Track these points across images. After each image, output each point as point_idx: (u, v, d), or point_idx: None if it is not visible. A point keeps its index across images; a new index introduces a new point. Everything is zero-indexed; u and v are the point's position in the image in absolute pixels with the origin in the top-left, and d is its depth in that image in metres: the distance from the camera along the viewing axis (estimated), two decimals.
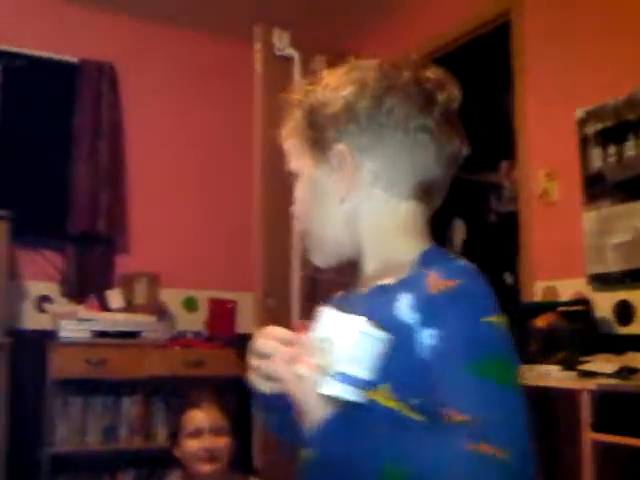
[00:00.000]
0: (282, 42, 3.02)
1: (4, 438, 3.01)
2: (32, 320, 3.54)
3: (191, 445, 2.11)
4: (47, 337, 3.35)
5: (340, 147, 0.96)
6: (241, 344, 3.55)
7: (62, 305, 3.53)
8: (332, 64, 1.03)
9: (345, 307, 0.91)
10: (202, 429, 2.12)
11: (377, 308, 0.90)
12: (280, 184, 3.17)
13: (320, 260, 1.04)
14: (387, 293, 0.91)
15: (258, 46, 3.05)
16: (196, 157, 4.00)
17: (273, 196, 3.12)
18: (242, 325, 3.78)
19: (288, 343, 0.89)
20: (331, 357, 0.83)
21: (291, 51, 3.05)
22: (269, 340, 0.92)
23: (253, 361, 0.95)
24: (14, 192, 3.42)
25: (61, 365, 3.22)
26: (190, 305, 3.83)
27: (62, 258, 3.63)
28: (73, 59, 3.73)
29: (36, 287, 3.58)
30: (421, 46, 3.25)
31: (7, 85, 3.43)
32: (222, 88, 4.07)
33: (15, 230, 3.21)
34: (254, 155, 3.49)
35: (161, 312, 3.59)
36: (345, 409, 0.83)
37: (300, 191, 1.03)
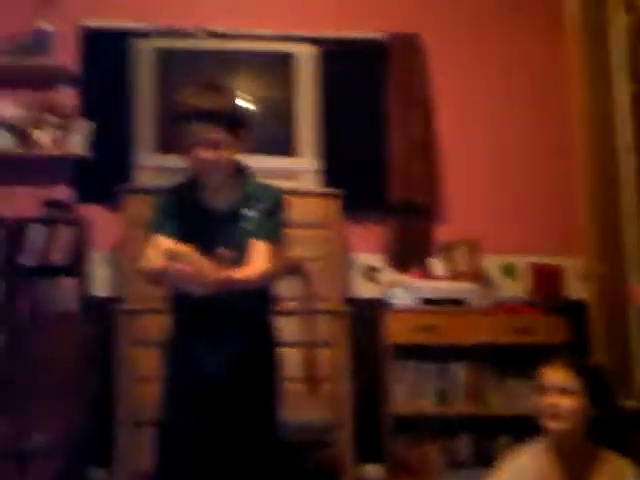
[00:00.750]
0: None
1: (352, 398, 3.29)
2: (363, 289, 3.82)
3: (539, 402, 2.18)
4: (378, 305, 3.61)
5: None
6: (571, 311, 3.53)
7: (388, 274, 3.75)
8: None
9: None
10: (549, 387, 2.17)
11: None
12: (606, 140, 3.01)
13: None
14: None
15: None
16: (508, 120, 3.95)
17: (599, 155, 2.99)
18: (568, 291, 3.73)
19: None
20: None
21: None
22: None
23: None
24: (342, 169, 3.68)
25: (394, 331, 3.44)
26: (509, 271, 3.84)
27: (385, 230, 3.86)
28: (382, 35, 3.88)
29: (364, 258, 3.85)
30: None
31: (326, 69, 3.67)
32: (528, 47, 3.98)
33: (344, 206, 3.48)
34: (574, 110, 3.37)
35: (482, 279, 3.66)
36: None
37: None
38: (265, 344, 2.15)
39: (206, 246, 2.00)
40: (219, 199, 2.10)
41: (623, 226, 3.05)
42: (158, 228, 2.05)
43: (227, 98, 2.06)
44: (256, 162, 3.33)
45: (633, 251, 3.04)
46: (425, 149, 3.86)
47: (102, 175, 3.71)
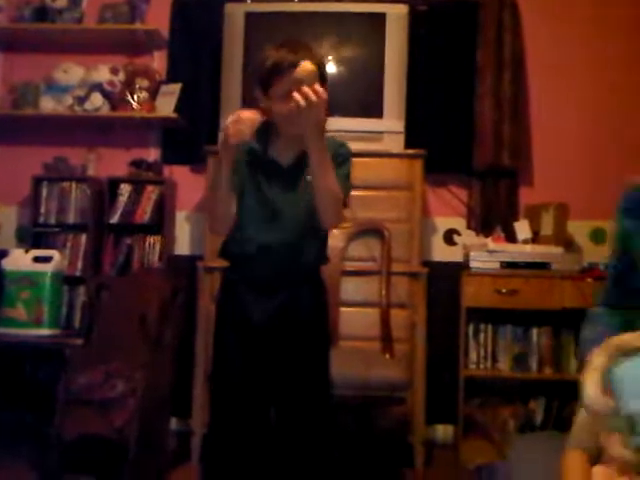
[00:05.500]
0: None
1: (426, 359, 3.28)
2: (441, 252, 3.78)
3: None
4: (457, 268, 3.55)
5: None
6: None
7: (469, 238, 3.68)
8: None
9: None
10: None
11: None
12: None
13: None
14: None
15: None
16: (599, 83, 3.78)
17: None
18: None
19: None
20: None
21: None
22: None
23: None
24: (425, 131, 3.62)
25: (472, 294, 3.38)
26: (598, 237, 3.69)
27: (468, 193, 3.78)
28: None
29: (444, 222, 3.79)
30: None
31: (413, 31, 3.59)
32: (625, 6, 3.78)
33: (427, 169, 3.42)
34: None
35: (568, 243, 3.53)
36: None
37: None
38: (314, 295, 2.15)
39: (271, 197, 2.04)
40: (287, 152, 2.10)
41: None
42: None
43: (317, 53, 2.08)
44: (345, 124, 3.38)
45: None
46: (515, 110, 3.74)
47: (189, 137, 3.81)
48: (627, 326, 1.00)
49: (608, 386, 0.84)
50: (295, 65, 1.97)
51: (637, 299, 1.08)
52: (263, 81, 2.01)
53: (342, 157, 2.11)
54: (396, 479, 3.13)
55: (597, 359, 0.89)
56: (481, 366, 3.45)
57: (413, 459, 3.21)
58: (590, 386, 0.87)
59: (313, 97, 1.87)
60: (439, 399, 3.47)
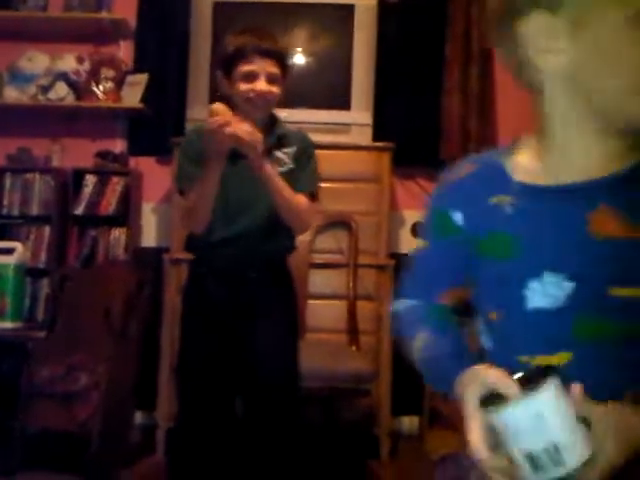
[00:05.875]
0: None
1: (391, 351, 3.28)
2: (409, 245, 3.79)
3: None
4: None
5: None
6: None
7: None
8: None
9: None
10: None
11: None
12: None
13: None
14: None
15: None
16: None
17: None
18: None
19: None
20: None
21: None
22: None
23: None
24: (393, 124, 3.62)
25: None
26: None
27: (435, 186, 3.78)
28: None
29: (411, 214, 3.80)
30: None
31: (382, 24, 3.59)
32: None
33: (395, 161, 3.43)
34: None
35: None
36: None
37: None
38: (281, 285, 2.15)
39: (236, 185, 2.02)
40: None
41: None
42: (183, 171, 2.07)
43: (280, 41, 2.13)
44: (312, 116, 3.37)
45: None
46: (482, 105, 3.76)
47: (155, 128, 3.77)
48: (452, 326, 0.99)
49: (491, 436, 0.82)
50: (258, 49, 1.97)
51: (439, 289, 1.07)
52: (226, 64, 2.01)
53: (308, 153, 2.12)
54: (361, 470, 3.14)
55: (473, 407, 0.85)
56: None
57: (379, 450, 3.23)
58: (476, 441, 0.83)
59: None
60: (405, 391, 3.48)
